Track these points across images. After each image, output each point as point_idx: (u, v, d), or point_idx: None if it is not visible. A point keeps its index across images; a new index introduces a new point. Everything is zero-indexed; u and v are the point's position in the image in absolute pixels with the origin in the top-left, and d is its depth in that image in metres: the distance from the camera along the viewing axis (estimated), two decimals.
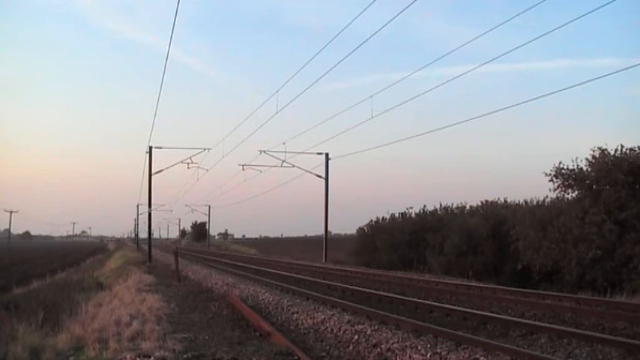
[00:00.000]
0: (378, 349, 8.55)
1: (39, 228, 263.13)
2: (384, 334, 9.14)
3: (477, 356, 7.42)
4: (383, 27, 33.63)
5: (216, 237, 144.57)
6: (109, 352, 8.42)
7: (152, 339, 9.20)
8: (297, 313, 12.36)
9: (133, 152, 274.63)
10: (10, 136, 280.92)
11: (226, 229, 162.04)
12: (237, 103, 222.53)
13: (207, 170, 42.97)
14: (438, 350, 7.86)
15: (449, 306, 12.78)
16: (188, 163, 39.04)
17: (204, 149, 38.94)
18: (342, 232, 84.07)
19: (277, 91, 28.30)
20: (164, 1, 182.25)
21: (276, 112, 29.00)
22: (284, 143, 40.67)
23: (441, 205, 37.48)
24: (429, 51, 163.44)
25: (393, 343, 8.53)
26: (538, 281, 23.54)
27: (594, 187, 22.83)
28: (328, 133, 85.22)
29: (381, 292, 15.86)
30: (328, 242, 41.01)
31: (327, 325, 10.70)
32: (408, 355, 7.95)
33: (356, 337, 9.46)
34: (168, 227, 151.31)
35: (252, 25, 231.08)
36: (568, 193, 24.15)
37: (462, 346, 8.02)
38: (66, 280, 27.48)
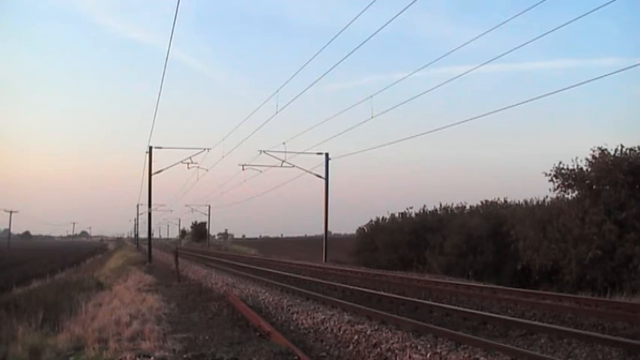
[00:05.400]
0: (378, 349, 8.55)
1: (39, 228, 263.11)
2: (384, 334, 9.14)
3: (477, 356, 7.42)
4: (383, 27, 33.64)
5: (216, 237, 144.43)
6: (109, 352, 8.41)
7: (152, 339, 9.19)
8: (297, 313, 12.36)
9: (133, 152, 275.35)
10: (10, 136, 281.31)
11: (226, 229, 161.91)
12: (237, 103, 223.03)
13: (207, 170, 43.07)
14: (438, 350, 7.86)
15: (449, 306, 12.78)
16: (188, 163, 39.17)
17: (204, 149, 39.06)
18: (342, 232, 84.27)
19: (277, 91, 28.26)
20: (165, 1, 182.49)
21: (276, 112, 28.97)
22: (284, 143, 40.65)
23: (441, 205, 37.57)
24: (430, 51, 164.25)
25: (393, 343, 8.53)
26: (538, 281, 23.54)
27: (594, 187, 22.84)
28: (328, 133, 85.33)
29: (381, 292, 15.85)
30: (328, 242, 40.97)
31: (327, 325, 10.69)
32: (408, 355, 7.95)
33: (356, 337, 9.46)
34: (168, 227, 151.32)
35: (252, 25, 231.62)
36: (568, 193, 24.19)
37: (462, 346, 8.02)
38: (66, 280, 27.42)
